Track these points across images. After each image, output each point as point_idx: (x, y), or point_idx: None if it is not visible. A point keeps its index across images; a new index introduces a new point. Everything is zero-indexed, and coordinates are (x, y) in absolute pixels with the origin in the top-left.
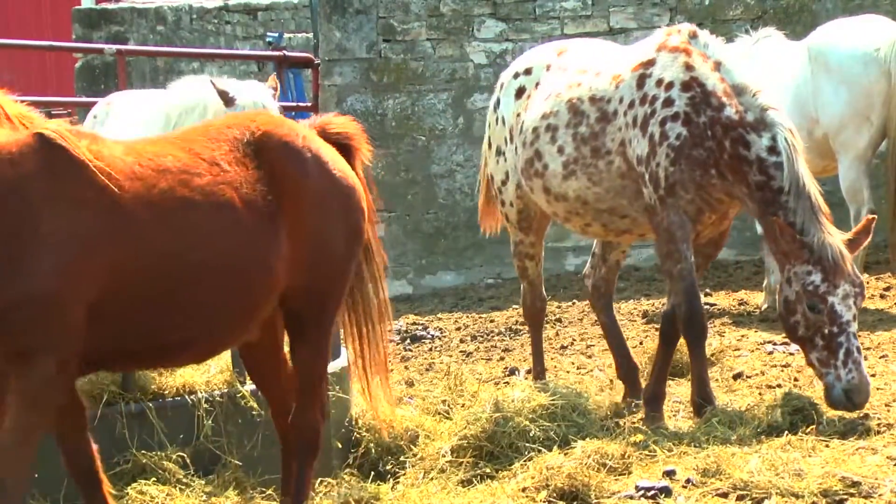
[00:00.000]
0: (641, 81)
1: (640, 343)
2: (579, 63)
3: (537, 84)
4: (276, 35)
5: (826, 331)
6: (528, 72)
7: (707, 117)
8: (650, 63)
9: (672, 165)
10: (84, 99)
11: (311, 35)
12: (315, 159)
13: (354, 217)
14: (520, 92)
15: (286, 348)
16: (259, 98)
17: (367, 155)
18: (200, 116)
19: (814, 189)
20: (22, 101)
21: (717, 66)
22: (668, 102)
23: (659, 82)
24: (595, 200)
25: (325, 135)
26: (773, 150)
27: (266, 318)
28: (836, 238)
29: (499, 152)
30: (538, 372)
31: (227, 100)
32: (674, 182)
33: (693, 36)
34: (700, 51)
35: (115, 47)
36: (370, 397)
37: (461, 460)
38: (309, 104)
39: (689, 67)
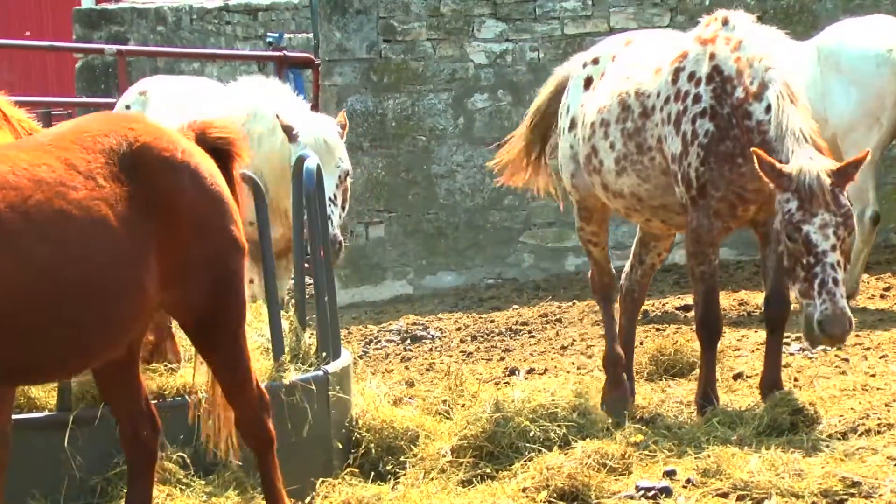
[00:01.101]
0: (676, 76)
1: (640, 343)
2: (635, 56)
3: (602, 75)
4: (277, 35)
5: (804, 261)
6: (595, 62)
7: (728, 105)
8: (684, 56)
9: (702, 165)
10: (84, 99)
11: (311, 35)
12: (193, 174)
13: (232, 231)
14: (587, 82)
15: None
16: (323, 134)
17: (245, 161)
18: (266, 129)
19: (803, 124)
20: (23, 102)
21: (739, 45)
22: (697, 98)
23: (690, 76)
24: (648, 197)
25: (204, 139)
26: (769, 108)
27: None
28: (818, 165)
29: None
30: (611, 349)
31: (291, 136)
32: (704, 182)
33: (725, 22)
34: (727, 35)
35: (115, 47)
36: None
37: (461, 460)
38: (309, 104)
39: (712, 57)
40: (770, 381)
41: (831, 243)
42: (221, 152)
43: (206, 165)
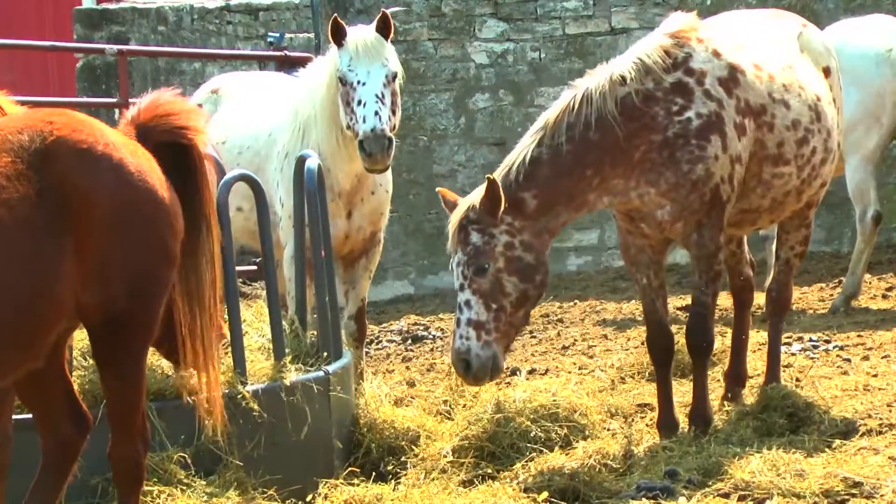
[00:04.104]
0: None
1: (642, 343)
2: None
3: None
4: (278, 35)
5: None
6: None
7: None
8: None
9: None
10: (85, 99)
11: (312, 35)
12: (115, 170)
13: (159, 236)
14: None
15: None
16: (366, 36)
17: (205, 152)
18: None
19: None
20: (24, 102)
21: None
22: None
23: None
24: None
25: (153, 131)
26: None
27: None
28: (468, 200)
29: None
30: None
31: (339, 44)
32: None
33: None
34: None
35: (116, 47)
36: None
37: (463, 461)
38: None
39: None
40: (697, 417)
41: (459, 283)
42: (176, 144)
43: (137, 161)
